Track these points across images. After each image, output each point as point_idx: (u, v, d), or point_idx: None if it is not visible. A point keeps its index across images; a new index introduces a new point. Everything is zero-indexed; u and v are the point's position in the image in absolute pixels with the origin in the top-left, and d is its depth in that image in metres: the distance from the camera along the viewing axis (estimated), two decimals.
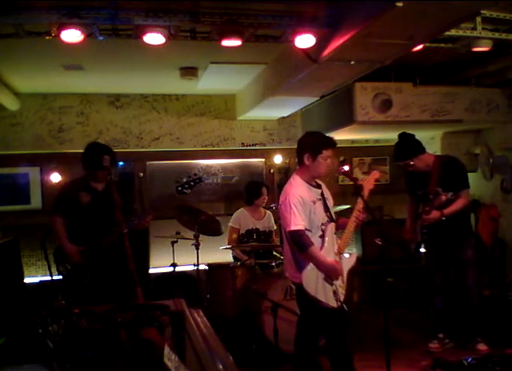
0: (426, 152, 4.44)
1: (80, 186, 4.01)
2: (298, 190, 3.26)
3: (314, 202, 3.27)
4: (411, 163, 4.31)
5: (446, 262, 4.48)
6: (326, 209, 3.35)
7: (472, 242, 4.54)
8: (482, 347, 4.27)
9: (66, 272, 3.90)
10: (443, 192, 4.17)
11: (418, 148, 4.38)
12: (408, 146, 4.38)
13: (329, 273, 3.20)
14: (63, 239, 3.91)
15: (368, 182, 3.49)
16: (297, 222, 3.16)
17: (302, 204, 3.20)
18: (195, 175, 4.46)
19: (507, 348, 4.13)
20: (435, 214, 4.15)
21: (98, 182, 4.00)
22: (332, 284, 3.21)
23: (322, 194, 3.37)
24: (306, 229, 3.19)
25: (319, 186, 3.41)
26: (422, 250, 4.58)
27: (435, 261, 4.51)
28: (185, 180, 4.34)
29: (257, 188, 5.38)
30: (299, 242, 3.17)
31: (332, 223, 3.34)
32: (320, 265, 3.17)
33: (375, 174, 3.62)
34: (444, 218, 4.17)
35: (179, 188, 4.31)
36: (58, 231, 3.93)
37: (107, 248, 3.83)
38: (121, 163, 6.40)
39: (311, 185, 3.35)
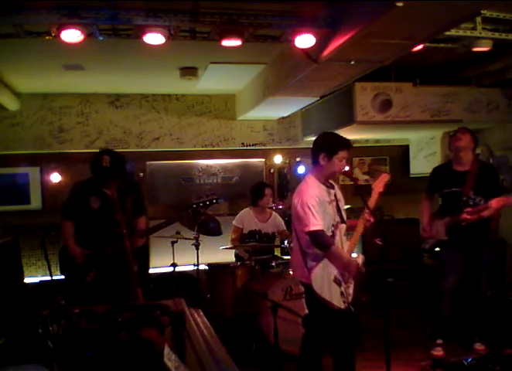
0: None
1: (89, 190, 3.96)
2: (314, 190, 3.25)
3: (329, 203, 3.28)
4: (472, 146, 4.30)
5: (462, 264, 4.35)
6: (338, 209, 3.35)
7: (490, 247, 4.51)
8: (479, 347, 4.24)
9: (69, 274, 3.90)
10: (474, 195, 4.18)
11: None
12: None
13: (350, 270, 3.22)
14: (69, 240, 3.90)
15: (377, 185, 3.47)
16: (316, 222, 3.15)
17: (319, 204, 3.20)
18: (212, 194, 4.35)
19: (507, 348, 4.12)
20: (474, 216, 4.11)
21: (108, 186, 3.95)
22: (340, 285, 3.22)
23: (335, 195, 3.37)
24: None
25: (332, 187, 3.40)
26: (436, 249, 4.46)
27: (452, 262, 4.34)
28: (201, 199, 4.25)
29: (260, 189, 5.32)
30: (320, 242, 3.17)
31: (343, 224, 3.35)
32: (342, 262, 3.19)
33: (385, 177, 3.57)
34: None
35: (195, 206, 4.25)
36: (65, 233, 3.92)
37: (112, 254, 3.81)
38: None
39: (325, 185, 3.34)
